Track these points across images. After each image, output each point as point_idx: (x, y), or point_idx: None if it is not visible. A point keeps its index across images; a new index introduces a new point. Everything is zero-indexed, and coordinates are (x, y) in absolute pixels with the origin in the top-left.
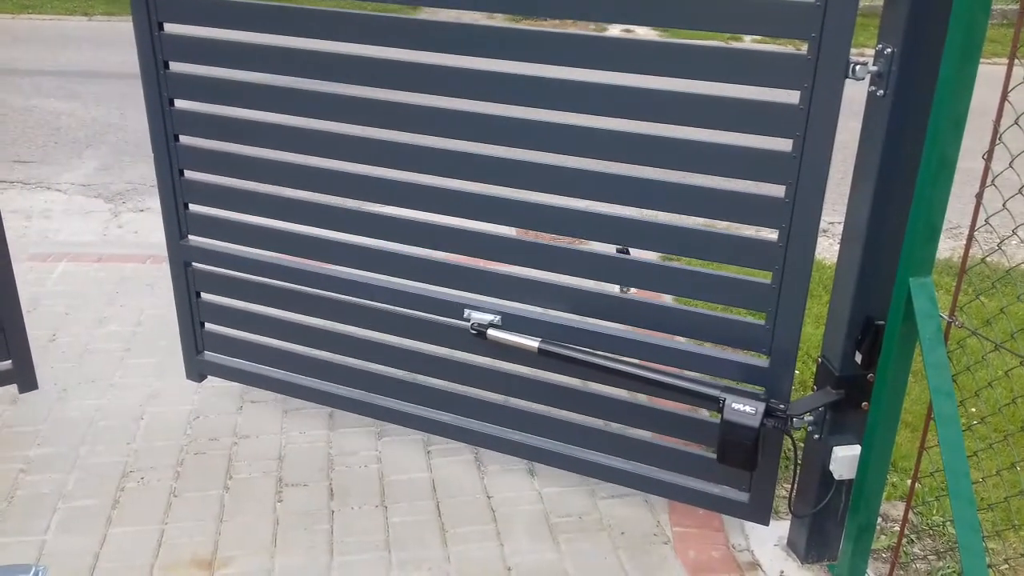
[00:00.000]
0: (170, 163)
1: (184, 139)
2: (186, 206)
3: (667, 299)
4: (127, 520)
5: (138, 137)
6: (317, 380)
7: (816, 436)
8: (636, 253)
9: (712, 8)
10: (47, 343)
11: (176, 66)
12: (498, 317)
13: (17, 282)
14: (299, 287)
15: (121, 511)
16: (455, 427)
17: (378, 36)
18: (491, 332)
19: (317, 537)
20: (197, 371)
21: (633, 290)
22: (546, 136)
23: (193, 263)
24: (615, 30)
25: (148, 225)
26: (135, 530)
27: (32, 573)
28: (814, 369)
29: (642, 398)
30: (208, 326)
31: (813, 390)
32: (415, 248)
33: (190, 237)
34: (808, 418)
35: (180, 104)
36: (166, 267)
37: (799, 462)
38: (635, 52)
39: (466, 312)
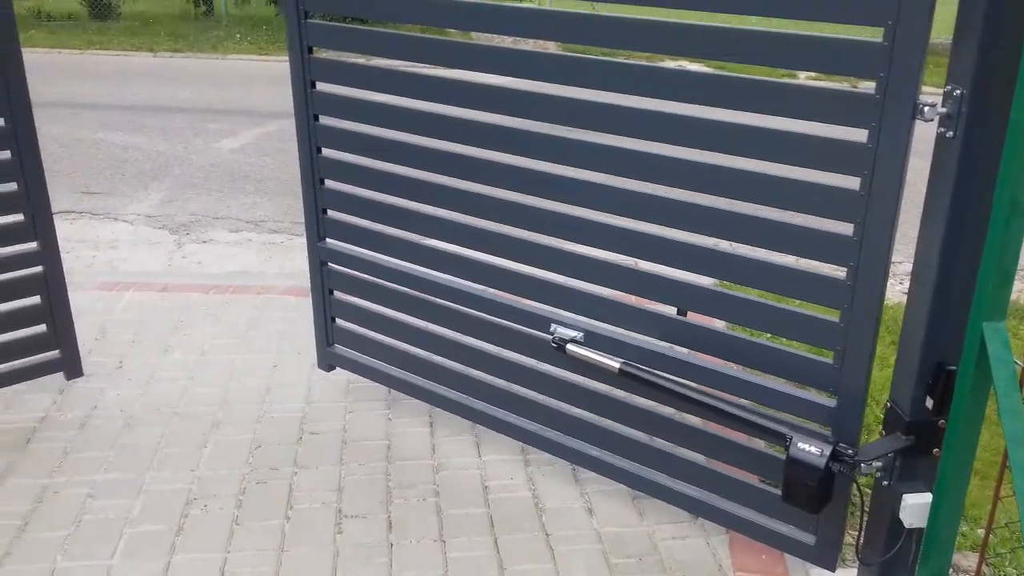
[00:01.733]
0: (312, 172)
1: (325, 151)
2: (324, 212)
3: (719, 324)
4: (190, 547)
5: (202, 170)
6: (421, 378)
7: (885, 482)
8: (705, 280)
9: (782, 47)
10: (114, 370)
11: (322, 85)
12: (581, 334)
13: (86, 310)
14: (415, 292)
15: (184, 538)
16: (543, 438)
17: (488, 64)
18: (570, 347)
19: (377, 570)
20: (327, 362)
21: (690, 314)
22: (636, 164)
23: (328, 263)
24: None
25: (211, 256)
26: (198, 557)
27: None
28: (878, 412)
29: (712, 426)
30: (338, 322)
31: (881, 434)
32: (517, 263)
33: (327, 240)
34: (876, 464)
35: (324, 120)
36: (228, 297)
37: (866, 508)
38: (712, 86)
39: (552, 326)
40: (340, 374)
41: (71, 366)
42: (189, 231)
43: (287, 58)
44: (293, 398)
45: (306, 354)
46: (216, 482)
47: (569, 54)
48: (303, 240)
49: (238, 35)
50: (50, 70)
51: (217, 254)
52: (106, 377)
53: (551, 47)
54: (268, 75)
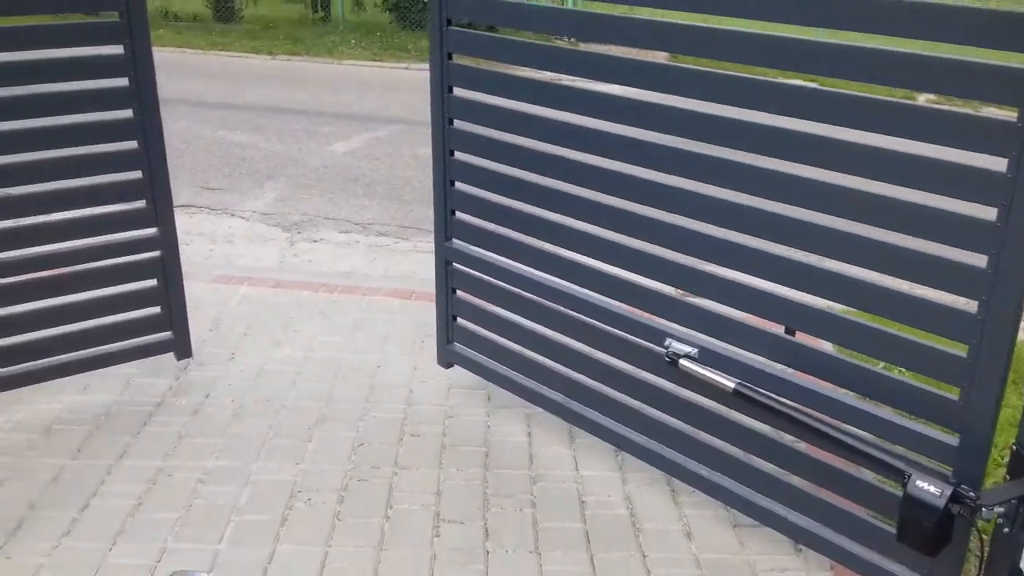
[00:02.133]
0: (444, 174)
1: (458, 154)
2: (453, 213)
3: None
4: (294, 538)
5: (315, 171)
6: (526, 378)
7: (1006, 529)
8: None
9: (930, 71)
10: (226, 361)
11: (458, 91)
12: (696, 350)
13: (202, 301)
14: (535, 297)
15: (288, 529)
16: (641, 447)
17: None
18: (683, 363)
19: None
20: (446, 359)
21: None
22: (768, 182)
23: (453, 263)
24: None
25: (321, 255)
26: (301, 549)
27: None
28: (995, 455)
29: (820, 452)
30: (459, 320)
31: (1005, 479)
32: (638, 276)
33: (453, 240)
34: (999, 509)
35: (458, 124)
36: (336, 296)
37: (984, 554)
38: (851, 106)
39: (667, 340)
40: (442, 377)
41: (181, 347)
42: (301, 230)
43: (400, 64)
44: (395, 399)
45: (408, 356)
46: (319, 476)
47: (711, 70)
48: (409, 244)
49: (353, 40)
50: (175, 68)
51: (327, 253)
52: (219, 367)
53: (660, 58)
54: (381, 81)
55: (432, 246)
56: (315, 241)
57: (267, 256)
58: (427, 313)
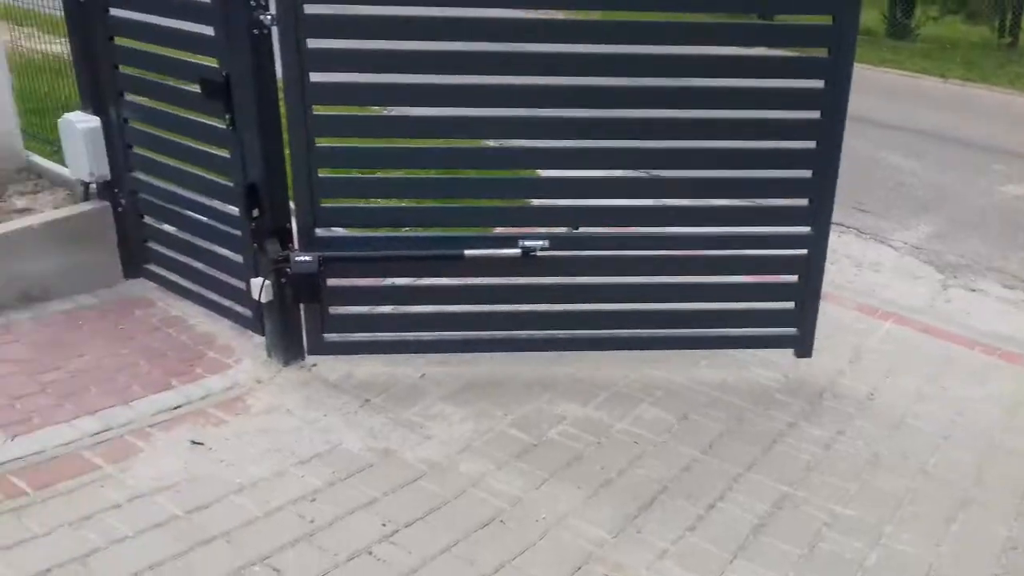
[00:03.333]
0: None
1: None
2: None
3: None
4: None
5: (979, 211)
6: None
7: None
8: None
9: None
10: (864, 399)
11: None
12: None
13: (842, 328)
14: None
15: None
16: None
17: None
18: None
19: None
20: None
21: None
22: None
23: None
24: None
25: (979, 308)
26: None
27: None
28: None
29: None
30: None
31: None
32: None
33: None
34: None
35: None
36: (995, 361)
37: None
38: None
39: None
40: None
41: (803, 345)
42: (956, 274)
43: None
44: None
45: None
46: (959, 568)
47: None
48: None
49: None
50: None
51: (986, 308)
52: (856, 404)
53: None
54: None
55: None
56: (972, 290)
57: (916, 295)
58: None
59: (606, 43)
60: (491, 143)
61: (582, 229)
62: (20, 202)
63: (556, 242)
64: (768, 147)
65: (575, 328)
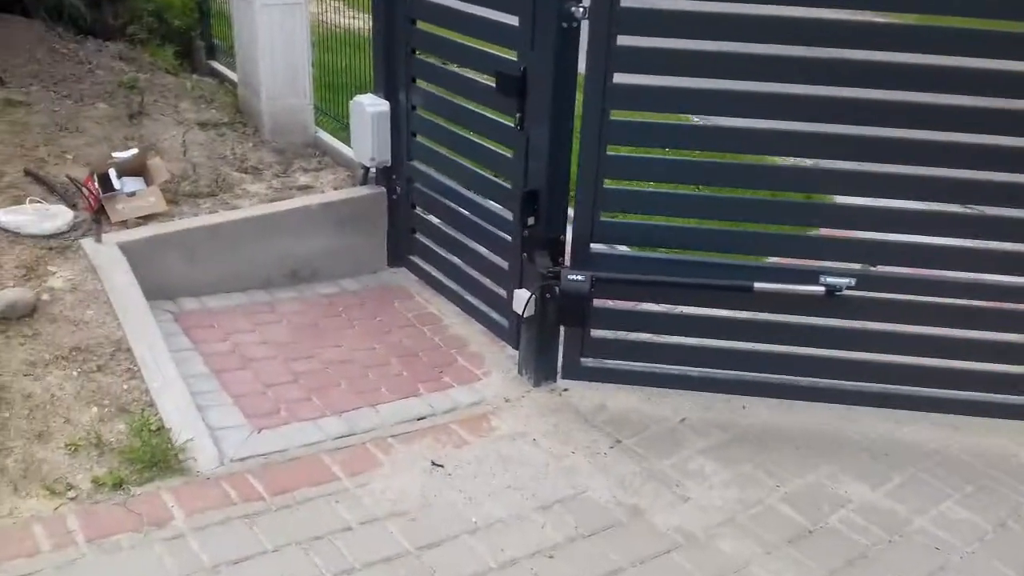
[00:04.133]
0: None
1: None
2: None
3: None
4: None
5: None
6: None
7: None
8: None
9: None
10: None
11: None
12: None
13: None
14: None
15: None
16: None
17: None
18: None
19: None
20: None
21: None
22: None
23: None
24: None
25: None
26: None
27: None
28: None
29: None
30: None
31: None
32: None
33: None
34: None
35: None
36: None
37: None
38: None
39: None
40: None
41: None
42: None
43: None
44: None
45: None
46: None
47: None
48: None
49: None
50: None
51: None
52: None
53: None
54: None
55: None
56: None
57: None
58: None
59: (942, 54)
60: (787, 161)
61: (880, 268)
62: (303, 179)
63: (860, 281)
64: None
65: (869, 380)
